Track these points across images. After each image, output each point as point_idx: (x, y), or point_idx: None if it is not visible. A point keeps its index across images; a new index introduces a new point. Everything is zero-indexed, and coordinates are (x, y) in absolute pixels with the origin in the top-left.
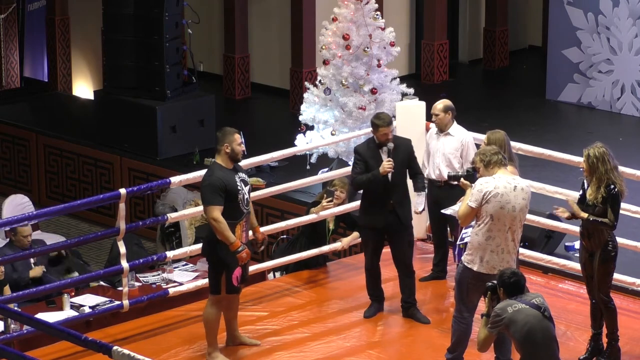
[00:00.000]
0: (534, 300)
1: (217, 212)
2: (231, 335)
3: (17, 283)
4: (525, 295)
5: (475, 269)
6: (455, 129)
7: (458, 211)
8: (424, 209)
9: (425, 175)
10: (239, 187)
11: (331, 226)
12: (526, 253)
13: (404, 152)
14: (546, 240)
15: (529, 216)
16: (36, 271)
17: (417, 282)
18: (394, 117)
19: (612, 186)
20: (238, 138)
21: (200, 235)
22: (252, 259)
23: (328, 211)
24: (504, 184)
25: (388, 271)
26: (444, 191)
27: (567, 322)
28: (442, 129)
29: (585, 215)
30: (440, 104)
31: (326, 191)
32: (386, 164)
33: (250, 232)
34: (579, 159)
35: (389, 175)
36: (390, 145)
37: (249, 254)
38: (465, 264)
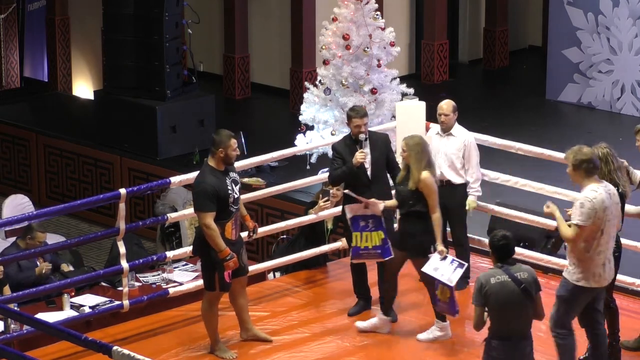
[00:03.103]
0: (519, 274)
1: (209, 218)
2: (244, 328)
3: (24, 283)
4: (514, 266)
5: (588, 285)
6: (457, 129)
7: (563, 234)
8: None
9: None
10: (229, 191)
11: (329, 226)
12: (526, 253)
13: (381, 146)
14: (546, 241)
15: (529, 216)
16: (41, 267)
17: (417, 282)
18: (394, 117)
19: (616, 188)
20: (234, 144)
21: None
22: (251, 259)
23: (327, 211)
24: (605, 195)
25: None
26: (446, 191)
27: None
28: (447, 130)
29: None
30: (448, 104)
31: (322, 191)
32: (358, 155)
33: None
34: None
35: (369, 170)
36: (362, 136)
37: (235, 263)
38: (576, 282)
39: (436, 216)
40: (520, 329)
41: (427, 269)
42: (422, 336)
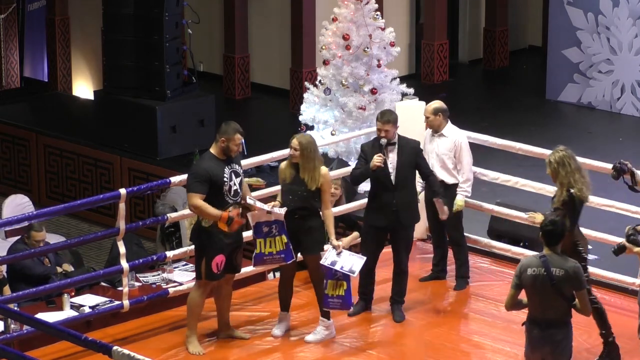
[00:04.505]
0: (556, 270)
1: (196, 199)
2: (222, 326)
3: (38, 276)
4: (556, 260)
5: None
6: (449, 129)
7: None
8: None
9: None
10: (225, 179)
11: None
12: (526, 253)
13: (409, 153)
14: None
15: None
16: (67, 267)
17: (417, 282)
18: None
19: (570, 191)
20: (238, 139)
21: None
22: (251, 258)
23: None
24: None
25: (388, 271)
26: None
27: None
28: (436, 130)
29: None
30: (431, 106)
31: None
32: (375, 159)
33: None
34: (578, 159)
35: (392, 175)
36: (383, 141)
37: (239, 222)
38: None
39: (329, 212)
40: (552, 317)
41: (324, 262)
42: (310, 338)
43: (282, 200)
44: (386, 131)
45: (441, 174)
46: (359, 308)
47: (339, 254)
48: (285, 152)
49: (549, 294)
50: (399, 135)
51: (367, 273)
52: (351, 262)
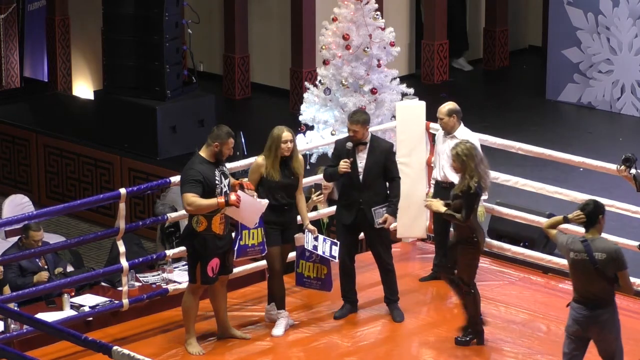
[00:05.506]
0: (597, 254)
1: (189, 196)
2: (221, 327)
3: (22, 288)
4: (598, 243)
5: None
6: (461, 131)
7: None
8: (380, 224)
9: (433, 176)
10: (217, 181)
11: (325, 220)
12: (526, 253)
13: (379, 154)
14: (546, 241)
15: (530, 216)
16: (41, 276)
17: (417, 282)
18: (394, 117)
19: (476, 183)
20: (231, 143)
21: None
22: (252, 259)
23: (326, 210)
24: None
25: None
26: (449, 192)
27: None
28: (449, 132)
29: (443, 209)
30: (445, 108)
31: (314, 185)
32: (342, 165)
33: None
34: (579, 159)
35: (360, 175)
36: (349, 145)
37: (238, 197)
38: None
39: (303, 196)
40: (596, 297)
41: (307, 246)
42: (277, 331)
43: (274, 197)
44: (354, 131)
45: (451, 176)
46: (345, 311)
47: (315, 237)
48: None
49: (592, 276)
50: (372, 136)
51: (346, 273)
52: (329, 247)
